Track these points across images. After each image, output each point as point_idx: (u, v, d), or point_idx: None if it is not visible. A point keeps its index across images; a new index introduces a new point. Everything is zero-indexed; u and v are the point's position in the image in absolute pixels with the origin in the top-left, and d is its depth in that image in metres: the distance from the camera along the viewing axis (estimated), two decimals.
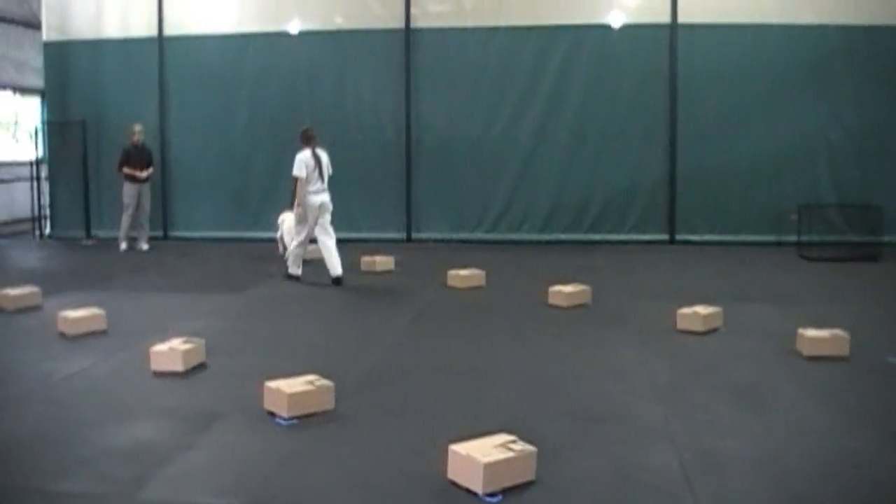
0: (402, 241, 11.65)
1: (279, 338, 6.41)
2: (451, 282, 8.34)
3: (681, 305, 6.64)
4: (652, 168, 11.39)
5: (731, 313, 6.76)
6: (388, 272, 9.25)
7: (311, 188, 8.16)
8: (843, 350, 5.73)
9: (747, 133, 11.05)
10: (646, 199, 11.35)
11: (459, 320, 6.92)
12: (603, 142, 11.40)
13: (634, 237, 11.45)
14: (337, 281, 8.18)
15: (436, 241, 11.54)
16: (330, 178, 8.37)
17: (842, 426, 4.45)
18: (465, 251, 10.98)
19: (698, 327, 6.35)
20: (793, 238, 10.92)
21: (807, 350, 5.77)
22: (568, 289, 7.40)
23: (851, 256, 10.25)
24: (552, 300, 7.37)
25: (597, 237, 11.44)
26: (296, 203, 8.20)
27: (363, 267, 9.30)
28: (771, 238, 11.23)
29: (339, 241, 8.46)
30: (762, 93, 10.94)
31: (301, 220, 8.29)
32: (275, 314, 7.25)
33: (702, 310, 6.49)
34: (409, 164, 11.65)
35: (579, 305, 7.31)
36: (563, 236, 11.60)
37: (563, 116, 11.45)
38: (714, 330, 6.43)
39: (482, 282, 8.40)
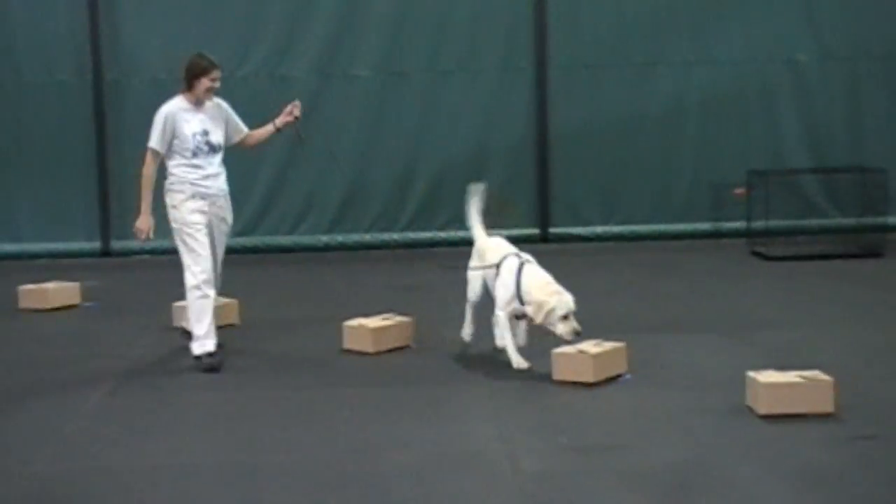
0: (95, 254, 11.80)
1: None
2: (180, 320, 8.32)
3: (559, 342, 6.84)
4: (510, 123, 11.83)
5: (641, 350, 7.00)
6: (71, 309, 9.26)
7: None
8: (825, 404, 5.85)
9: (662, 60, 11.75)
10: (501, 173, 11.68)
11: (196, 384, 6.98)
12: (431, 82, 11.74)
13: None
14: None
15: (154, 252, 11.62)
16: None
17: None
18: None
19: (587, 375, 6.54)
20: (740, 225, 11.40)
21: (764, 406, 5.87)
22: (375, 323, 7.58)
23: (837, 251, 10.80)
24: (352, 342, 7.55)
25: (422, 237, 11.84)
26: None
27: (23, 302, 9.33)
28: (705, 226, 11.83)
29: None
30: None
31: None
32: None
33: (593, 347, 6.68)
34: (102, 127, 11.79)
35: (397, 349, 7.54)
36: (367, 238, 11.89)
37: (364, 42, 11.78)
38: (614, 378, 6.65)
39: (233, 318, 8.52)
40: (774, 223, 11.07)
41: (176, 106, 7.24)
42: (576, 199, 11.85)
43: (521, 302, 6.80)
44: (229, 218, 7.43)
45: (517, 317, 6.99)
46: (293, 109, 7.54)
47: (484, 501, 4.85)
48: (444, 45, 11.68)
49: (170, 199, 7.21)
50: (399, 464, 5.35)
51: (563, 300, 6.70)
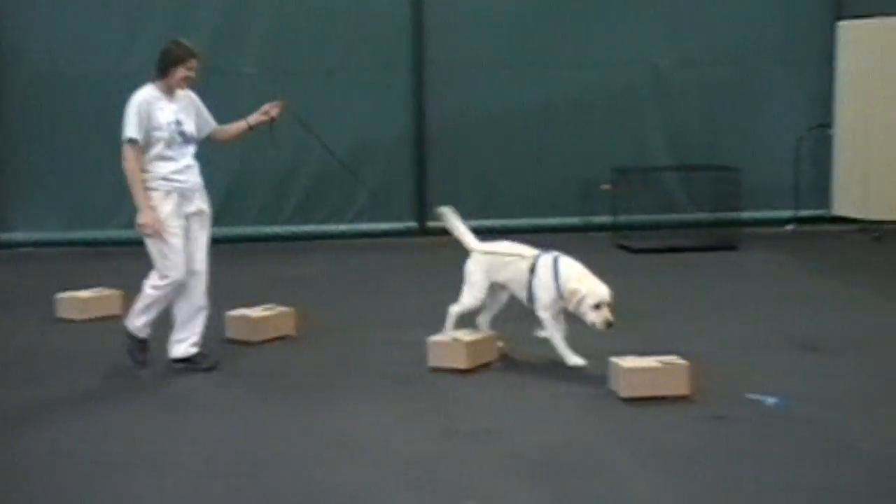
0: None
1: None
2: (64, 311, 8.25)
3: (437, 331, 6.89)
4: (389, 120, 11.81)
5: (514, 339, 7.05)
6: None
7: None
8: (681, 387, 5.99)
9: (534, 62, 11.88)
10: (380, 168, 11.71)
11: (75, 374, 6.81)
12: (313, 79, 11.64)
13: (364, 227, 11.77)
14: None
15: (37, 244, 11.51)
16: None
17: None
18: (90, 260, 10.91)
19: (461, 362, 6.60)
20: (606, 219, 11.61)
21: (625, 390, 5.98)
22: (257, 313, 7.54)
23: (696, 244, 11.09)
24: (234, 332, 7.51)
25: (304, 230, 11.78)
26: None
27: None
28: (573, 220, 11.99)
29: None
30: (555, 1, 11.86)
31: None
32: None
33: (466, 336, 6.73)
34: None
35: (277, 339, 7.49)
36: (249, 230, 11.74)
37: (246, 39, 11.70)
38: (487, 365, 6.72)
39: (117, 308, 8.30)
40: (638, 217, 11.30)
41: (148, 94, 6.59)
42: (453, 193, 11.86)
43: (563, 297, 6.45)
44: (206, 208, 6.85)
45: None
46: (270, 110, 7.04)
47: (362, 487, 4.85)
48: (326, 44, 11.63)
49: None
50: (279, 451, 5.31)
51: (594, 289, 6.35)
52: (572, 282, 6.42)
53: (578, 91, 11.90)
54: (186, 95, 6.80)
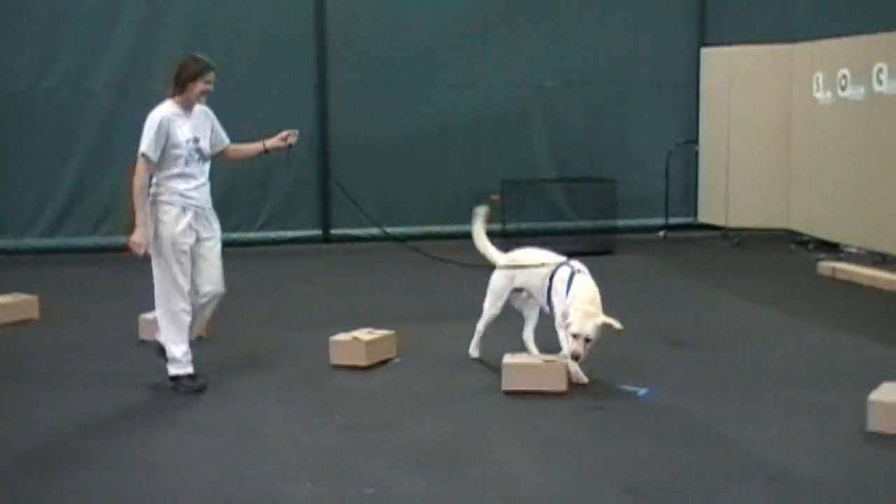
0: None
1: None
2: None
3: (338, 331, 6.92)
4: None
5: (410, 338, 7.13)
6: None
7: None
8: (559, 383, 6.10)
9: (430, 83, 12.04)
10: (287, 180, 11.66)
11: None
12: (222, 97, 11.22)
13: (272, 235, 11.68)
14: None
15: None
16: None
17: (571, 488, 4.74)
18: (8, 268, 10.65)
19: (361, 360, 6.61)
20: (497, 227, 11.73)
21: (510, 384, 6.07)
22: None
23: (577, 249, 11.19)
24: (147, 333, 7.33)
25: None
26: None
27: None
28: (467, 228, 11.92)
29: None
30: (449, 27, 12.02)
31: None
32: None
33: (365, 335, 6.75)
34: None
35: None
36: None
37: (161, 59, 11.41)
38: (385, 362, 6.77)
39: (34, 312, 8.24)
40: (526, 225, 11.46)
41: (168, 111, 6.13)
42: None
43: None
44: (216, 224, 6.41)
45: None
46: (289, 137, 6.72)
47: (267, 476, 4.85)
48: (234, 64, 11.48)
49: (159, 213, 6.09)
50: (189, 445, 5.28)
51: (582, 321, 6.00)
52: (575, 303, 6.15)
53: (471, 109, 12.03)
54: (203, 111, 6.39)
